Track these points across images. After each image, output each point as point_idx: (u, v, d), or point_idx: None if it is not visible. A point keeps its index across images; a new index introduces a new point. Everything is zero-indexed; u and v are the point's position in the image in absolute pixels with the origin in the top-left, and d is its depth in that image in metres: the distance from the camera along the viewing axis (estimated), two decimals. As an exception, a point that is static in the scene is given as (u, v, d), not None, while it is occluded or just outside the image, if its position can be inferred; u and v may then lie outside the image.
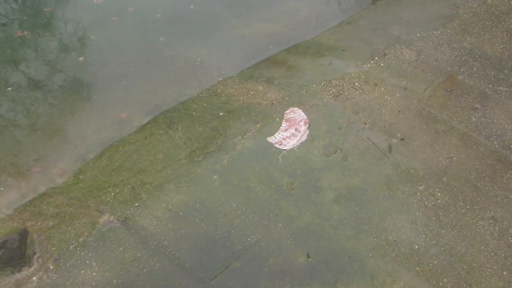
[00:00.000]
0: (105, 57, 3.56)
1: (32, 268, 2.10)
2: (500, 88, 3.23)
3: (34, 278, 2.07)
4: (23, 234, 2.18)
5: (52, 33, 3.77)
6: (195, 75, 3.42)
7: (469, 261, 2.21)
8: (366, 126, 2.86)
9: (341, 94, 3.10)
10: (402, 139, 2.79)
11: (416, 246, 2.24)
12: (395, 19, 4.05)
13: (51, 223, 2.29)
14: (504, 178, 2.61)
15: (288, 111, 2.97)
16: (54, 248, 2.18)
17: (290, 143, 2.73)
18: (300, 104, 3.02)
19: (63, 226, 2.28)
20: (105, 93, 3.25)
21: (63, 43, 3.67)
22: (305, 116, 2.90)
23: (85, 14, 3.95)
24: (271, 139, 2.77)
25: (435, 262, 2.19)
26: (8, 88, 3.20)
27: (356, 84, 3.20)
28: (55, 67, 3.46)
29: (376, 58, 3.48)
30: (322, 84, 3.20)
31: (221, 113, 2.98)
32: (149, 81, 3.36)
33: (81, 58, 3.45)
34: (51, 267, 2.11)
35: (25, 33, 3.68)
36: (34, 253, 2.15)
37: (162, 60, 3.56)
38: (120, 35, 3.80)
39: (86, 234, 2.23)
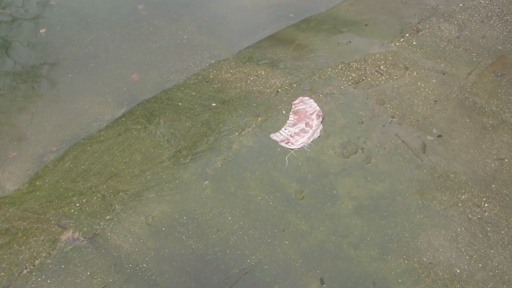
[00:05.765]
0: (69, 33, 3.55)
1: (-24, 299, 2.11)
2: None
3: (-22, 311, 2.08)
4: (-34, 255, 2.17)
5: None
6: (181, 56, 3.42)
7: (525, 289, 2.19)
8: (394, 120, 2.88)
9: (363, 80, 3.12)
10: (439, 136, 2.80)
11: (458, 270, 2.24)
12: (431, -14, 4.04)
13: None
14: None
15: (296, 101, 2.99)
16: (2, 274, 2.17)
17: (299, 141, 2.75)
18: (311, 93, 3.04)
19: (15, 245, 2.28)
20: (68, 78, 3.25)
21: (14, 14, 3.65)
22: (318, 108, 2.92)
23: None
24: (275, 136, 2.79)
25: (482, 290, 2.18)
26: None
27: (382, 67, 3.22)
28: (7, 42, 3.44)
29: (407, 34, 3.50)
30: (339, 67, 3.22)
31: (214, 104, 3.01)
32: (123, 63, 3.36)
33: (42, 31, 3.45)
34: (0, 296, 2.11)
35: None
36: (-21, 280, 2.15)
37: (140, 37, 3.56)
38: (87, 3, 3.80)
39: (44, 255, 2.23)
